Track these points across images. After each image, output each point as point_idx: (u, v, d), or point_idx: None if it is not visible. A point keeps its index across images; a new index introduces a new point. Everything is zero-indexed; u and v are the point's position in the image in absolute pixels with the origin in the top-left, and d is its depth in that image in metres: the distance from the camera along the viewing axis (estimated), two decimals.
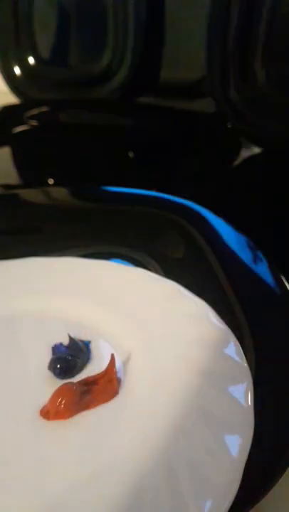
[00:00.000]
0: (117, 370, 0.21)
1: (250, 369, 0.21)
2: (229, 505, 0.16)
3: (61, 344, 0.22)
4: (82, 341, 0.23)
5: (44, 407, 0.20)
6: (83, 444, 0.19)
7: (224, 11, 0.41)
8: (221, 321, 0.23)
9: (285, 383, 0.20)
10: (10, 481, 0.18)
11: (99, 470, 0.18)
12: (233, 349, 0.21)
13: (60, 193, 0.34)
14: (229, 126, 0.45)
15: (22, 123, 0.49)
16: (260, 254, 0.26)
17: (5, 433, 0.19)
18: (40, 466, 0.18)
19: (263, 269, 0.25)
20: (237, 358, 0.21)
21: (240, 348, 0.22)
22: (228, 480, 0.17)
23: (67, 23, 0.53)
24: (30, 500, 0.17)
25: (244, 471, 0.17)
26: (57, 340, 0.23)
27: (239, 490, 0.16)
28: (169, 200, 0.31)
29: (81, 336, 0.23)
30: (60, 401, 0.19)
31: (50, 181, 0.38)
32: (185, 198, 0.31)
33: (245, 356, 0.21)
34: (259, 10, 0.41)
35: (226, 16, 0.41)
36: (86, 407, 0.20)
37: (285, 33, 0.42)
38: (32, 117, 0.51)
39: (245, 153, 0.41)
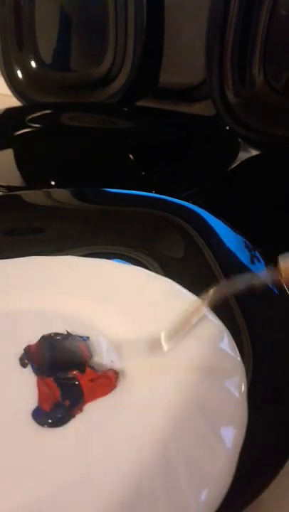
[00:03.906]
0: (116, 364, 0.22)
1: (248, 364, 0.21)
2: (224, 495, 0.16)
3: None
4: (81, 337, 0.23)
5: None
6: (82, 436, 0.19)
7: (223, 15, 0.41)
8: (216, 317, 0.24)
9: (281, 381, 0.21)
10: (8, 477, 0.18)
11: (97, 462, 0.18)
12: (227, 344, 0.22)
13: (62, 195, 0.34)
14: (227, 128, 0.45)
15: (24, 125, 0.50)
16: (257, 254, 0.26)
17: (2, 429, 0.20)
18: (38, 459, 0.18)
19: (260, 269, 0.26)
20: (231, 353, 0.22)
21: (234, 342, 0.22)
22: (223, 470, 0.17)
23: (68, 27, 0.54)
24: (26, 497, 0.17)
25: (241, 467, 0.17)
26: None
27: (239, 484, 0.17)
28: (168, 202, 0.31)
29: (80, 332, 0.23)
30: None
31: (52, 183, 0.39)
32: (184, 199, 0.31)
33: (243, 352, 0.22)
34: (257, 14, 0.41)
35: (224, 21, 0.41)
36: (85, 400, 0.20)
37: (283, 37, 0.42)
38: (34, 120, 0.51)
39: (243, 155, 0.42)
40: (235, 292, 0.19)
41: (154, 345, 0.20)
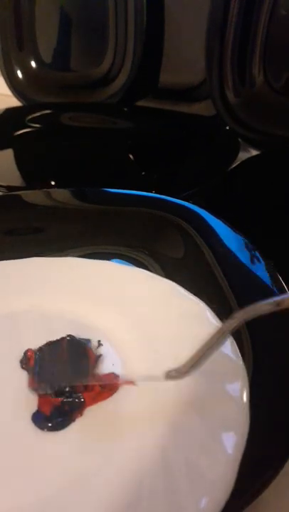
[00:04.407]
0: (116, 368, 0.21)
1: (248, 368, 0.21)
2: (225, 502, 0.16)
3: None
4: (82, 339, 0.23)
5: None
6: (82, 441, 0.19)
7: (223, 15, 0.41)
8: (218, 320, 0.24)
9: (281, 381, 0.21)
10: (8, 480, 0.18)
11: (97, 466, 0.18)
12: (230, 348, 0.22)
13: (61, 195, 0.34)
14: (227, 128, 0.45)
15: (24, 125, 0.50)
16: (258, 254, 0.26)
17: (3, 431, 0.20)
18: (38, 462, 0.18)
19: (260, 270, 0.26)
20: (233, 357, 0.21)
21: (236, 346, 0.22)
22: (224, 476, 0.17)
23: (68, 28, 0.54)
24: (27, 497, 0.17)
25: (241, 468, 0.17)
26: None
27: (236, 487, 0.17)
28: (168, 202, 0.31)
29: (81, 334, 0.23)
30: None
31: (52, 183, 0.39)
32: (184, 199, 0.31)
33: (243, 355, 0.22)
34: (257, 14, 0.41)
35: (224, 21, 0.41)
36: (85, 404, 0.20)
37: (283, 37, 0.42)
38: (34, 120, 0.51)
39: (243, 155, 0.42)
40: (259, 316, 0.18)
41: (170, 375, 0.19)
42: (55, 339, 0.23)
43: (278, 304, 0.18)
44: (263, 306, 0.18)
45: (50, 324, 0.24)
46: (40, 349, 0.22)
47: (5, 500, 0.17)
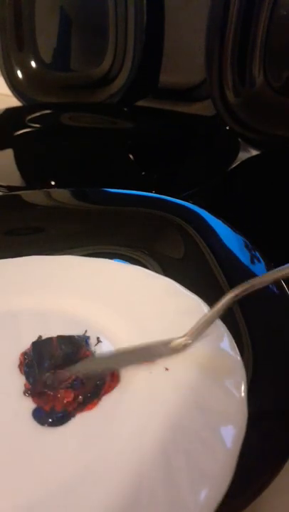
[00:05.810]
0: None
1: (248, 364, 0.21)
2: (224, 494, 0.16)
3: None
4: (81, 337, 0.23)
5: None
6: (82, 435, 0.19)
7: (223, 16, 0.41)
8: (218, 319, 0.24)
9: (280, 377, 0.21)
10: (8, 476, 0.18)
11: (97, 461, 0.18)
12: (228, 343, 0.22)
13: (62, 195, 0.34)
14: (227, 128, 0.45)
15: (24, 125, 0.50)
16: (257, 254, 0.26)
17: (4, 426, 0.20)
18: (39, 458, 0.18)
19: (260, 269, 0.26)
20: (231, 352, 0.22)
21: (234, 341, 0.22)
22: (223, 470, 0.17)
23: (68, 28, 0.54)
24: (27, 495, 0.17)
25: (241, 467, 0.17)
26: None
27: (239, 484, 0.17)
28: (168, 202, 0.31)
29: (80, 332, 0.23)
30: None
31: (52, 183, 0.39)
32: (184, 199, 0.32)
33: (243, 352, 0.22)
34: (257, 14, 0.41)
35: (224, 21, 0.41)
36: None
37: (283, 37, 0.42)
38: (34, 120, 0.51)
39: (243, 155, 0.42)
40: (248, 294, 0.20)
41: (175, 348, 0.21)
42: (43, 339, 0.23)
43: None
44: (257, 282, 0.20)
45: (50, 322, 0.24)
46: (29, 353, 0.22)
47: (5, 498, 0.17)
